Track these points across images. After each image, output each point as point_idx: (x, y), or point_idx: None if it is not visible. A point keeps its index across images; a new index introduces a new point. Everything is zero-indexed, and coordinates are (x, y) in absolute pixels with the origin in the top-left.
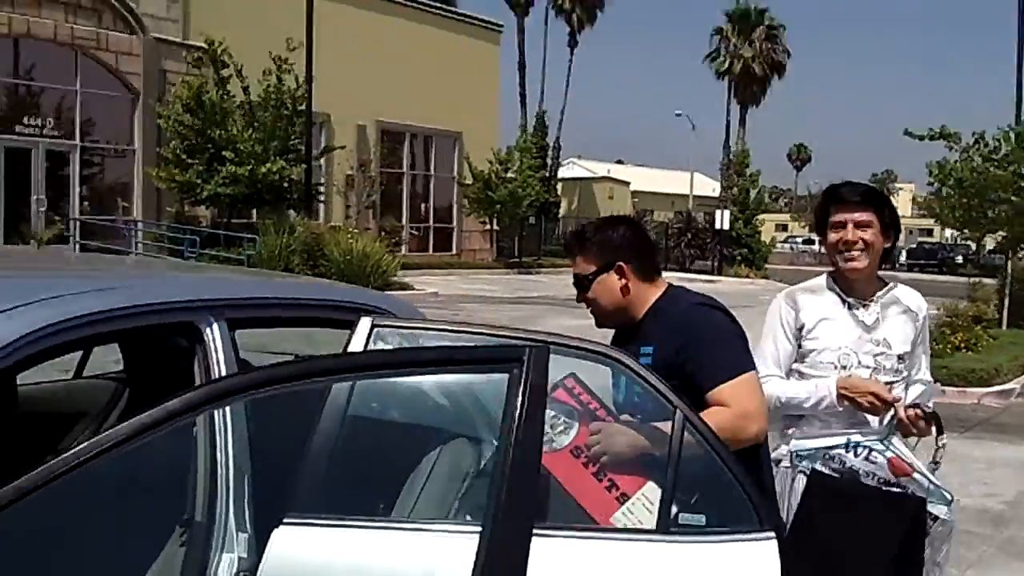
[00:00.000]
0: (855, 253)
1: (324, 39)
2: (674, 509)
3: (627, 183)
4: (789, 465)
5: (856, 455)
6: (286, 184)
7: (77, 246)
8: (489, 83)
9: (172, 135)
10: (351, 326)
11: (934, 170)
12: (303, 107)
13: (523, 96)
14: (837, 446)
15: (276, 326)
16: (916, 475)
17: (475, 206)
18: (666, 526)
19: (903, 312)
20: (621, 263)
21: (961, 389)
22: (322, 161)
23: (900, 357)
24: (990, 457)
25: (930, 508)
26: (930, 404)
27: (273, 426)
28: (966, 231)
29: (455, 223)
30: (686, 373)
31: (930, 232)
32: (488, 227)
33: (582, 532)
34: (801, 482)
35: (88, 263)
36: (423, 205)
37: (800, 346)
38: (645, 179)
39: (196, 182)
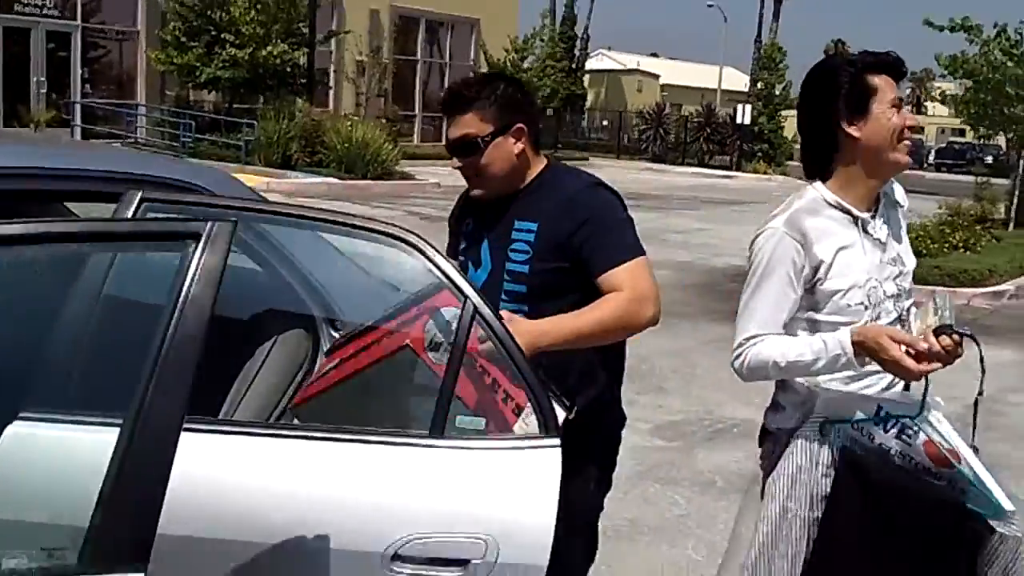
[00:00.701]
0: (908, 143)
1: None
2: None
3: (656, 76)
4: (817, 436)
5: (886, 430)
6: (289, 69)
7: (78, 130)
8: None
9: (173, 17)
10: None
11: (945, 63)
12: None
13: None
14: (866, 419)
15: (38, 200)
16: (962, 466)
17: None
18: (441, 429)
19: (898, 212)
20: (521, 125)
21: (952, 289)
22: (332, 47)
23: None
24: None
25: (987, 518)
26: (950, 315)
27: (16, 308)
28: (981, 128)
29: None
30: (579, 256)
31: (962, 132)
32: None
33: (353, 436)
34: (826, 457)
35: None
36: (437, 94)
37: (813, 290)
38: (676, 72)
39: (195, 65)
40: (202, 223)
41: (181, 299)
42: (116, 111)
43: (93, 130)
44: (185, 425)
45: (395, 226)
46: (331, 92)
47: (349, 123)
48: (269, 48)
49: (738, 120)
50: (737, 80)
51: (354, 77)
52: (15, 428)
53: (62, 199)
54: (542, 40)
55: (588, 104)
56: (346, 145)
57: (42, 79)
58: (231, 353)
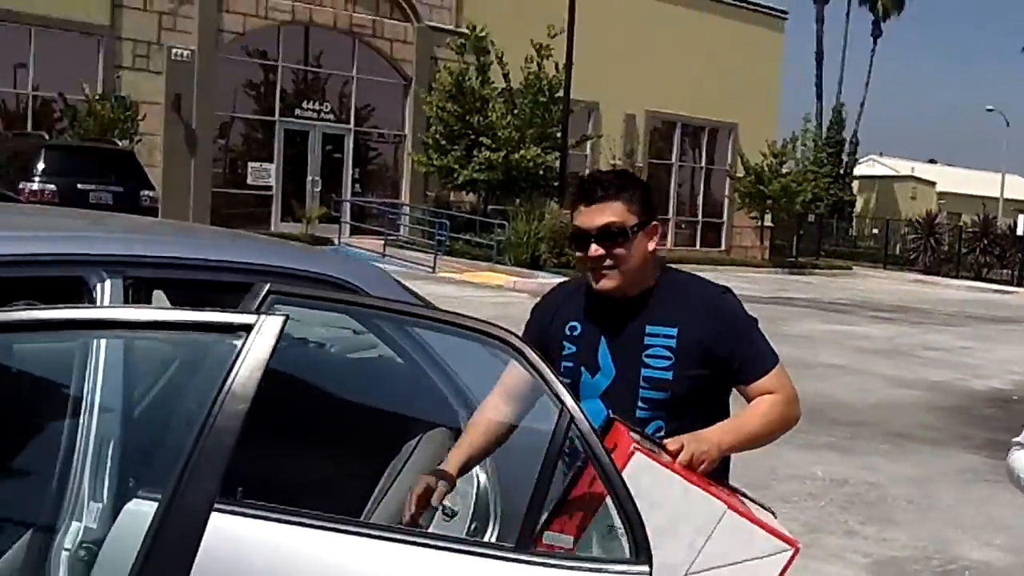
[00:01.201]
0: None
1: (593, 27)
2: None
3: (932, 183)
4: None
5: None
6: (542, 172)
7: (347, 227)
8: (770, 72)
9: (435, 121)
10: None
11: None
12: (561, 94)
13: (819, 88)
14: None
15: (201, 290)
16: None
17: (745, 200)
18: (527, 544)
19: None
20: (657, 224)
21: None
22: (587, 150)
23: None
24: None
25: None
26: None
27: (151, 393)
28: None
29: (725, 218)
30: (726, 364)
31: None
32: (760, 223)
33: (429, 542)
34: None
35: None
36: (691, 198)
37: None
38: (954, 179)
39: (454, 167)
40: (254, 316)
41: (224, 389)
42: (381, 209)
43: (360, 227)
44: (322, 524)
45: (502, 328)
46: None
47: None
48: (522, 151)
49: (1019, 231)
50: (1021, 188)
51: None
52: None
53: (205, 289)
54: (804, 145)
55: (857, 211)
56: None
57: (317, 178)
58: (378, 447)
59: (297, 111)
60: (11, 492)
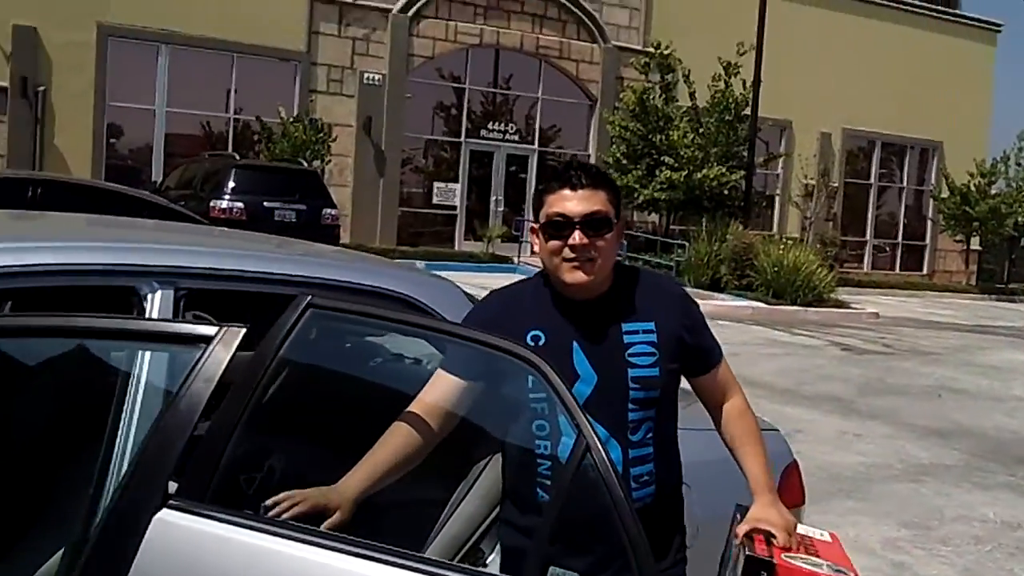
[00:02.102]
0: None
1: (784, 43)
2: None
3: None
4: None
5: None
6: (726, 192)
7: (529, 246)
8: (980, 87)
9: (617, 140)
10: None
11: None
12: (748, 112)
13: None
14: None
15: (261, 304)
16: None
17: (949, 223)
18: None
19: None
20: (623, 218)
21: None
22: (779, 169)
23: None
24: None
25: None
26: None
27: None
28: None
29: (928, 240)
30: (691, 353)
31: None
32: (966, 247)
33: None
34: None
35: (64, 224)
36: (891, 219)
37: None
38: None
39: (634, 186)
40: (214, 327)
41: (177, 396)
42: None
43: None
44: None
45: (523, 346)
46: (776, 215)
47: (781, 247)
48: (705, 171)
49: None
50: None
51: (799, 200)
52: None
53: (266, 303)
54: (1019, 164)
55: None
56: (775, 269)
57: (500, 197)
58: (449, 469)
59: (483, 132)
60: (50, 505)
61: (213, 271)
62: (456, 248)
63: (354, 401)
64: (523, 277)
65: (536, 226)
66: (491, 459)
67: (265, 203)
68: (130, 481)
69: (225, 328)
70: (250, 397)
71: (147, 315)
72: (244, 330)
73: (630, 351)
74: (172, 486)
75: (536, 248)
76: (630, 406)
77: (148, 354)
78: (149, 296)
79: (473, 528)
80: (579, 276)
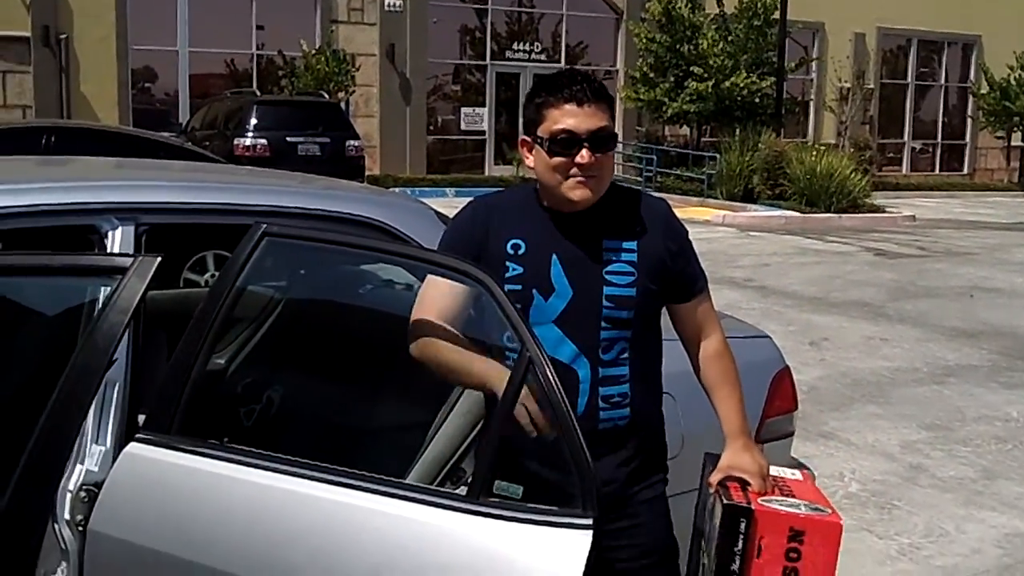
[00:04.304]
0: None
1: None
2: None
3: None
4: None
5: None
6: (758, 100)
7: None
8: None
9: (644, 53)
10: None
11: None
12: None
13: None
14: None
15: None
16: None
17: (990, 119)
18: (477, 492)
19: None
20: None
21: None
22: (813, 73)
23: None
24: None
25: None
26: None
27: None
28: None
29: (968, 139)
30: (673, 279)
31: None
32: (1007, 144)
33: (379, 487)
34: None
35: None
36: (930, 119)
37: None
38: None
39: (663, 100)
40: (128, 258)
41: (91, 329)
42: None
43: None
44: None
45: (470, 264)
46: (811, 122)
47: (814, 153)
48: (733, 79)
49: None
50: None
51: (834, 105)
52: None
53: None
54: None
55: None
56: (808, 177)
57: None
58: (429, 391)
59: (508, 53)
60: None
61: (174, 205)
62: (486, 173)
63: (346, 329)
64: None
65: (528, 139)
66: None
67: (288, 138)
68: (47, 421)
69: (139, 259)
70: (209, 327)
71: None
72: (158, 259)
73: (608, 268)
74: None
75: (529, 162)
76: (602, 324)
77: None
78: (110, 233)
79: (454, 448)
80: (585, 193)
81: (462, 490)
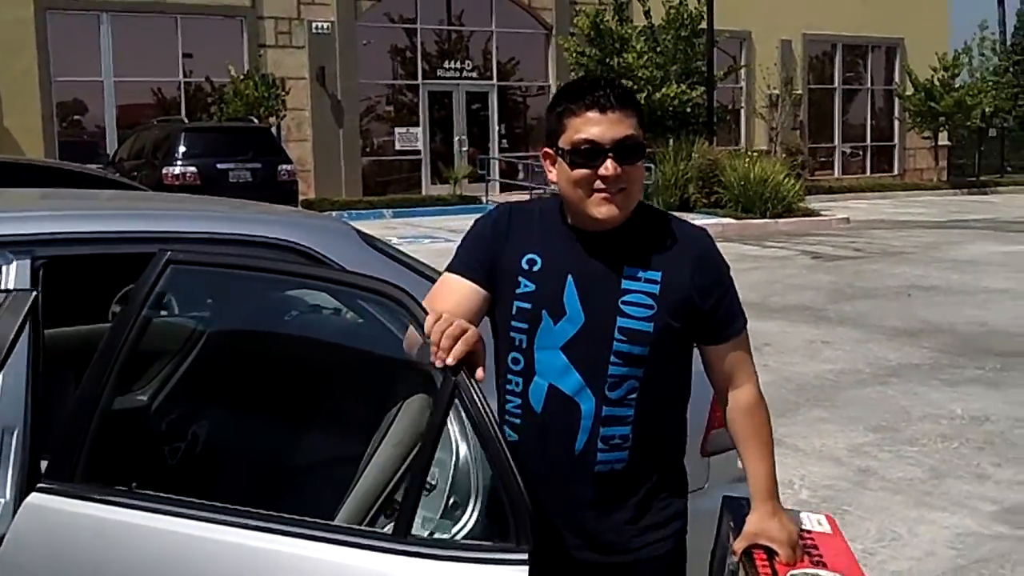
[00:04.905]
0: None
1: None
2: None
3: None
4: None
5: None
6: (689, 109)
7: (496, 184)
8: None
9: (574, 67)
10: None
11: None
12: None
13: None
14: None
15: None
16: None
17: (916, 120)
18: (405, 531)
19: None
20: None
21: None
22: (742, 82)
23: None
24: None
25: None
26: None
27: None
28: None
29: (896, 140)
30: (703, 317)
31: None
32: (934, 143)
33: (302, 530)
34: None
35: None
36: (858, 122)
37: None
38: None
39: None
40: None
41: None
42: (528, 164)
43: (508, 183)
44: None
45: (382, 282)
46: (743, 129)
47: (747, 160)
48: (664, 90)
49: None
50: None
51: (764, 112)
52: None
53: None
54: (982, 54)
55: None
56: (742, 183)
57: (463, 137)
58: (361, 421)
59: (439, 72)
60: None
61: (74, 235)
62: (423, 193)
63: (273, 358)
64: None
65: (551, 151)
66: (402, 404)
67: (218, 165)
68: None
69: (11, 294)
70: (113, 363)
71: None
72: (34, 294)
73: (624, 298)
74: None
75: (552, 176)
76: (612, 358)
77: None
78: (3, 268)
79: (387, 480)
80: (611, 210)
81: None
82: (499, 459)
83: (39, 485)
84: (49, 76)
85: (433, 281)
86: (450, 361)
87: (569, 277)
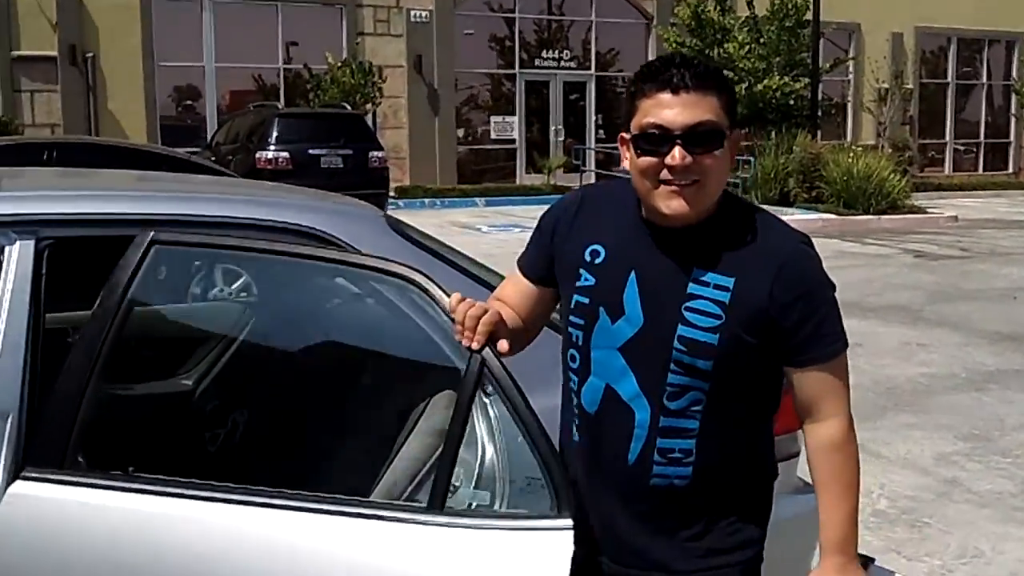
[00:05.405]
0: None
1: None
2: (456, 483)
3: None
4: None
5: None
6: (792, 102)
7: (591, 175)
8: None
9: None
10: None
11: None
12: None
13: None
14: None
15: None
16: None
17: None
18: (442, 503)
19: None
20: (740, 132)
21: None
22: (850, 74)
23: None
24: None
25: None
26: None
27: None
28: None
29: (1012, 138)
30: (784, 335)
31: None
32: None
33: (340, 508)
34: None
35: None
36: (972, 119)
37: None
38: None
39: None
40: None
41: None
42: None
43: (602, 173)
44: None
45: (394, 263)
46: (850, 124)
47: (851, 155)
48: (766, 82)
49: None
50: None
51: (872, 106)
52: None
53: None
54: None
55: None
56: (845, 178)
57: (559, 127)
58: (387, 418)
59: (537, 61)
60: None
61: (80, 216)
62: (517, 182)
63: (311, 348)
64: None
65: (626, 136)
66: (430, 400)
67: (310, 150)
68: None
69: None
70: (100, 347)
71: (4, 270)
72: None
73: (688, 304)
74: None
75: (626, 164)
76: (672, 367)
77: None
78: (7, 249)
79: (410, 477)
80: (679, 205)
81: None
82: (531, 425)
83: (23, 473)
84: (153, 61)
85: (468, 274)
86: (475, 346)
87: (633, 273)
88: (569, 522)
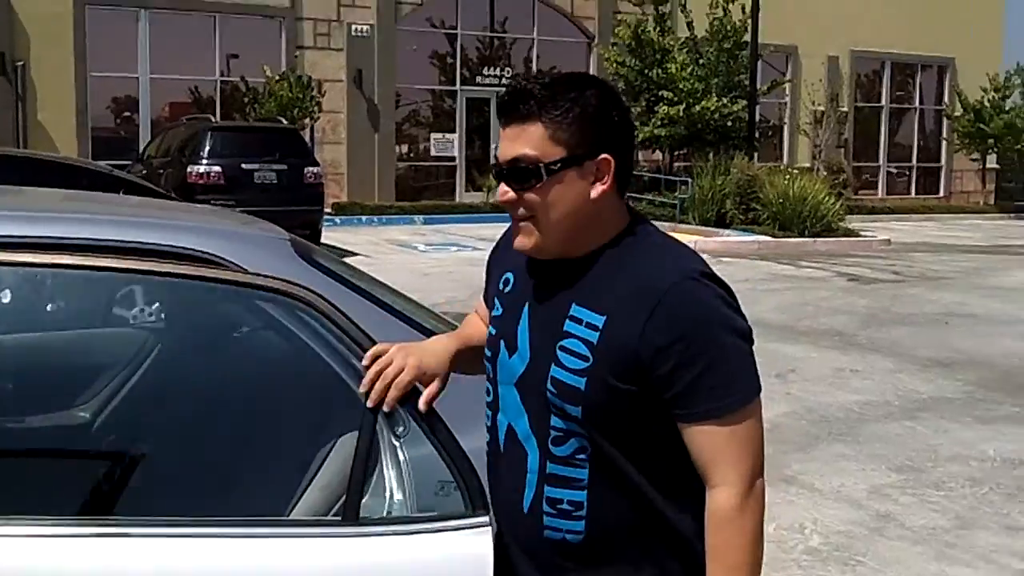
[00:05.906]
0: None
1: None
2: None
3: None
4: None
5: None
6: (730, 123)
7: None
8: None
9: (615, 78)
10: None
11: None
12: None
13: None
14: None
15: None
16: None
17: (964, 141)
18: (355, 514)
19: None
20: (609, 157)
21: None
22: (786, 96)
23: None
24: None
25: None
26: None
27: None
28: None
29: (943, 162)
30: (662, 387)
31: None
32: (982, 166)
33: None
34: None
35: None
36: (905, 142)
37: None
38: None
39: (634, 124)
40: None
41: None
42: None
43: None
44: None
45: (286, 281)
46: (785, 146)
47: (787, 177)
48: (704, 103)
49: None
50: None
51: (808, 128)
52: None
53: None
54: None
55: None
56: (781, 201)
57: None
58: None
59: (478, 78)
60: None
61: None
62: (457, 200)
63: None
64: None
65: None
66: (336, 443)
67: (243, 165)
68: None
69: None
70: None
71: None
72: None
73: (562, 343)
74: None
75: None
76: (552, 409)
77: None
78: None
79: (328, 494)
80: (521, 241)
81: None
82: (446, 438)
83: None
84: (85, 71)
85: (379, 303)
86: (382, 408)
87: (527, 306)
88: (486, 517)
